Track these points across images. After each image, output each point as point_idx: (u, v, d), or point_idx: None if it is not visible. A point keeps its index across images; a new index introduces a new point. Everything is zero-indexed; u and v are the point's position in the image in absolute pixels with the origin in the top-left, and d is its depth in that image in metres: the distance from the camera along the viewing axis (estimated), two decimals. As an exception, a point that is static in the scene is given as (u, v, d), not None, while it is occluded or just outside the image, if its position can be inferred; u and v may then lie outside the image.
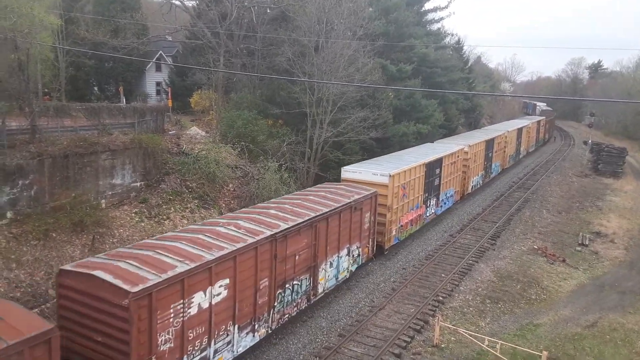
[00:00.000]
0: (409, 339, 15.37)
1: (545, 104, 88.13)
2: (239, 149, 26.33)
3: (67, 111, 22.17)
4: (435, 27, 50.67)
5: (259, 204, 17.72)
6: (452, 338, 15.83)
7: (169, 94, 34.68)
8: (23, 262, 15.29)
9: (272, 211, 15.35)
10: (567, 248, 26.03)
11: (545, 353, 13.87)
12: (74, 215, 17.25)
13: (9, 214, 16.45)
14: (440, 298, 18.46)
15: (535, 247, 25.36)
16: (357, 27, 30.49)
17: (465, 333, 15.43)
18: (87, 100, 31.34)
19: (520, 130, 47.51)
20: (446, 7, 53.63)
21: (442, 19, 51.13)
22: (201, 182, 22.68)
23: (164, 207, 20.62)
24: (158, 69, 39.63)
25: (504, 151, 41.66)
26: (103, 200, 19.39)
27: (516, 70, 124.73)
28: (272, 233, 13.57)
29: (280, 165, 25.85)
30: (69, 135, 20.22)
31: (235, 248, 12.07)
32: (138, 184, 21.08)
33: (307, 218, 15.16)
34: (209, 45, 33.54)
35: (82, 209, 17.69)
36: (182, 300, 10.56)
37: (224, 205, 22.99)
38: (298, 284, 15.08)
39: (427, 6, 48.62)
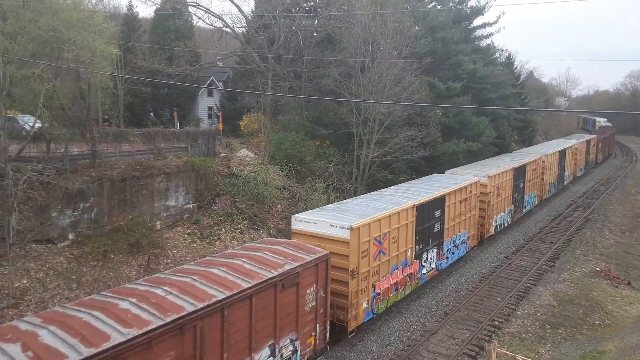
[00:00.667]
0: (463, 366, 14.79)
1: (605, 120, 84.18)
2: (287, 170, 26.64)
3: (124, 136, 23.28)
4: (484, 43, 49.84)
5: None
6: (510, 365, 15.08)
7: (220, 118, 35.73)
8: (83, 282, 15.96)
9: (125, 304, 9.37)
10: (632, 270, 24.42)
11: (612, 384, 12.95)
12: (130, 237, 17.92)
13: (70, 236, 17.30)
14: (497, 323, 17.70)
15: (598, 269, 23.97)
16: (403, 46, 30.47)
17: (524, 360, 14.66)
18: (143, 126, 32.78)
19: (563, 152, 39.99)
20: (495, 22, 52.66)
21: (491, 34, 50.21)
22: (250, 203, 23.05)
23: (215, 228, 21.07)
24: (210, 94, 41.04)
25: (541, 179, 34.41)
26: (158, 222, 20.05)
27: (571, 85, 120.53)
28: None
29: (327, 186, 25.93)
30: (126, 159, 21.15)
31: None
32: (191, 205, 21.69)
33: (172, 318, 9.19)
34: (257, 70, 34.47)
35: (138, 230, 18.34)
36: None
37: (272, 225, 23.23)
38: None
39: (476, 22, 47.93)
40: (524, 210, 31.00)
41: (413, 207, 18.03)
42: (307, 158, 28.31)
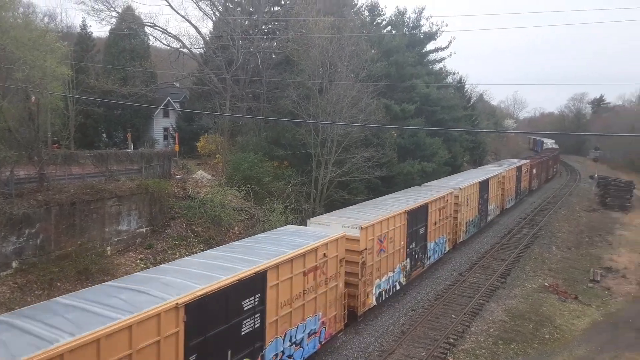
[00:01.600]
0: (419, 385, 14.93)
1: (553, 141, 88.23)
2: (245, 192, 26.49)
3: (75, 159, 22.59)
4: (437, 67, 51.80)
5: None
6: (465, 382, 15.35)
7: (176, 139, 35.26)
8: (28, 311, 15.17)
9: None
10: (578, 285, 25.51)
11: (561, 397, 13.38)
12: (79, 264, 17.29)
13: (14, 264, 16.52)
14: (452, 340, 18.03)
15: (546, 284, 24.89)
16: (359, 69, 31.19)
17: (478, 377, 14.96)
18: (95, 148, 31.90)
19: (485, 183, 33.10)
20: (447, 47, 54.85)
21: (443, 59, 52.29)
22: (207, 225, 22.73)
23: (169, 252, 20.61)
24: (166, 114, 40.46)
25: (454, 218, 27.48)
26: (109, 247, 19.44)
27: (519, 107, 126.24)
28: None
29: (285, 207, 25.91)
30: (76, 182, 20.52)
31: None
32: (144, 229, 21.16)
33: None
34: (215, 91, 34.37)
35: (88, 256, 17.73)
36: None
37: (229, 248, 22.92)
38: None
39: (429, 47, 49.82)
40: (427, 263, 23.86)
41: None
42: (265, 179, 28.28)
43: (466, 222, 29.59)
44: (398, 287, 21.07)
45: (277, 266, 12.73)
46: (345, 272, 16.73)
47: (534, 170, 52.64)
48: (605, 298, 24.23)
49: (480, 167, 45.90)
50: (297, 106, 30.11)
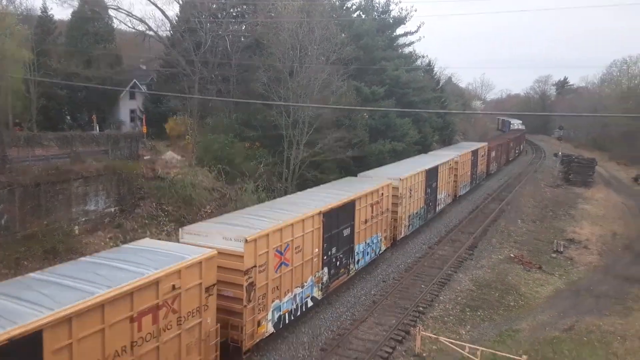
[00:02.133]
0: (390, 350, 15.35)
1: (520, 122, 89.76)
2: (216, 172, 26.35)
3: (38, 141, 22.08)
4: (406, 50, 52.18)
5: None
6: (434, 347, 15.85)
7: (144, 121, 34.65)
8: (-6, 291, 14.89)
9: None
10: (542, 255, 26.49)
11: (524, 357, 13.98)
12: (46, 243, 17.02)
13: (-22, 244, 16.14)
14: (421, 308, 18.53)
15: (512, 255, 25.74)
16: (330, 52, 31.18)
17: (446, 341, 15.48)
18: (59, 130, 31.12)
19: (433, 171, 29.04)
20: (416, 31, 55.29)
21: (412, 43, 52.75)
22: (178, 205, 22.59)
23: (139, 231, 20.43)
24: (132, 96, 39.64)
25: (394, 212, 23.81)
26: (76, 227, 19.15)
27: (486, 89, 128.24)
28: None
29: (257, 186, 25.94)
30: (40, 164, 20.05)
31: None
32: (112, 209, 20.90)
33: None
34: (183, 73, 33.82)
35: (55, 236, 17.46)
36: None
37: (201, 228, 22.85)
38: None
39: (398, 31, 50.12)
40: (353, 269, 19.99)
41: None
42: (236, 159, 28.16)
43: (409, 216, 25.83)
44: (311, 304, 16.89)
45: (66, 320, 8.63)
46: (226, 296, 13.08)
47: (493, 153, 48.47)
48: (567, 267, 25.27)
49: (432, 152, 39.19)
50: (267, 88, 29.97)
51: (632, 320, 19.12)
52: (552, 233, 30.56)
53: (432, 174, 28.80)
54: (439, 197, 30.88)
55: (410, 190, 25.74)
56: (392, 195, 23.36)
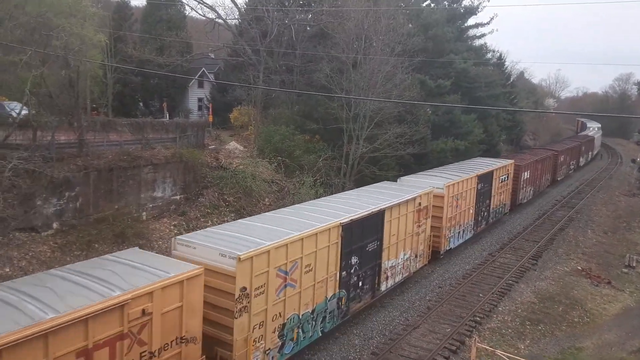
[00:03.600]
0: (443, 360, 15.02)
1: (599, 125, 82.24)
2: (276, 164, 26.68)
3: (113, 126, 23.11)
4: (477, 43, 50.13)
5: None
6: (489, 360, 15.35)
7: (210, 110, 35.62)
8: (67, 270, 15.89)
9: None
10: (612, 270, 24.90)
11: (588, 380, 13.25)
12: (116, 227, 17.88)
13: (54, 225, 17.23)
14: (478, 318, 17.97)
15: (579, 268, 24.38)
16: (395, 43, 30.53)
17: (504, 355, 14.91)
18: (132, 116, 32.58)
19: (358, 224, 16.15)
20: (488, 23, 52.88)
21: (484, 35, 50.49)
22: (238, 196, 23.07)
23: (201, 220, 21.08)
24: (200, 85, 40.84)
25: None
26: (144, 213, 20.02)
27: (560, 86, 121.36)
28: None
29: (315, 181, 26.00)
30: (114, 149, 21.05)
31: None
32: (178, 197, 21.66)
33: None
34: (249, 62, 34.38)
35: (124, 220, 18.31)
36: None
37: (260, 219, 23.28)
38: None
39: (469, 22, 48.18)
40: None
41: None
42: (296, 152, 28.36)
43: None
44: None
45: None
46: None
47: (526, 175, 34.49)
48: (639, 284, 23.62)
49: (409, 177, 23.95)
50: (330, 80, 29.84)
51: None
52: (625, 246, 28.61)
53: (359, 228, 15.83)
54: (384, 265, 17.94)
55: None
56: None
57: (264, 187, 24.60)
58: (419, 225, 19.80)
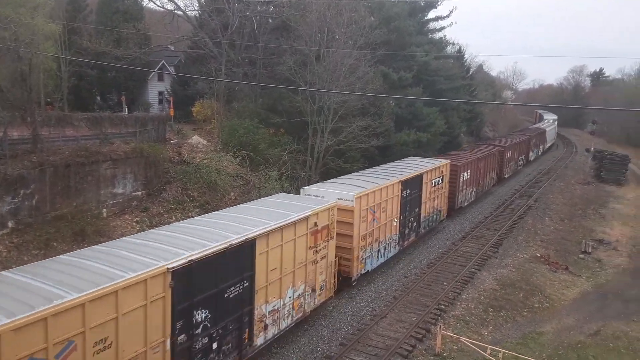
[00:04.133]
0: (410, 348, 15.25)
1: (555, 117, 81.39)
2: (240, 158, 26.39)
3: (69, 121, 22.32)
4: (437, 36, 50.96)
5: None
6: (454, 347, 15.70)
7: (171, 103, 34.84)
8: (24, 271, 15.26)
9: None
10: (569, 256, 25.90)
11: (548, 362, 13.75)
12: (75, 225, 17.31)
13: (10, 224, 16.52)
14: (443, 306, 18.35)
15: (538, 255, 25.23)
16: (358, 36, 30.63)
17: (468, 342, 15.30)
18: (89, 110, 31.50)
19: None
20: (448, 16, 53.84)
21: (443, 28, 51.37)
22: (202, 190, 22.72)
23: (165, 216, 20.66)
24: (160, 78, 39.85)
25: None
26: (104, 210, 19.44)
27: (517, 78, 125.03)
28: None
29: (281, 174, 25.88)
30: (70, 145, 20.33)
31: None
32: (139, 193, 21.13)
33: None
34: (210, 55, 33.76)
35: (84, 218, 17.75)
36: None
37: (225, 214, 22.99)
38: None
39: (429, 15, 48.89)
40: None
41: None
42: (261, 146, 28.13)
43: None
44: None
45: None
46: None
47: (466, 175, 30.57)
48: (595, 269, 24.68)
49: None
50: (293, 73, 29.69)
51: (661, 328, 18.59)
52: (581, 233, 29.83)
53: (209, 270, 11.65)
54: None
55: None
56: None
57: (229, 182, 24.31)
58: (317, 251, 15.53)
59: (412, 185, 22.64)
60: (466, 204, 31.88)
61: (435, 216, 26.09)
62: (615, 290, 22.26)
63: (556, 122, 77.72)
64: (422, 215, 24.20)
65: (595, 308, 20.24)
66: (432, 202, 25.36)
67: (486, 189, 36.51)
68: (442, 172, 26.18)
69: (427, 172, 24.01)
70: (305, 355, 14.49)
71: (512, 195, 37.35)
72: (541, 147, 60.11)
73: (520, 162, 48.29)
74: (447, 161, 27.36)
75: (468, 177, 31.08)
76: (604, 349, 16.54)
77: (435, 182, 25.25)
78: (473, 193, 32.93)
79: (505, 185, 40.83)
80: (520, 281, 21.69)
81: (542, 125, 67.91)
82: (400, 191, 21.20)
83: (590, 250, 26.59)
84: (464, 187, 30.69)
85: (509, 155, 41.49)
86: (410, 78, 37.54)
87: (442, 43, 51.23)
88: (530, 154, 53.14)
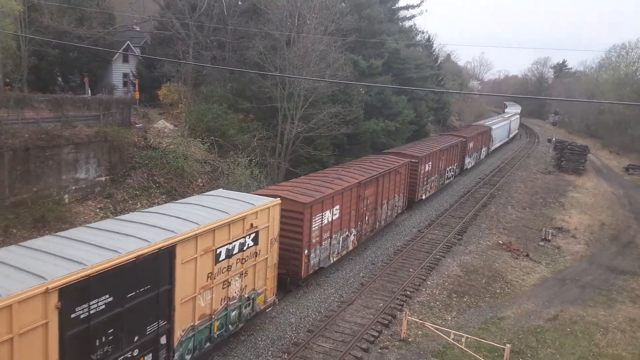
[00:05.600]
0: (377, 334, 15.52)
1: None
2: (209, 144, 25.98)
3: (28, 102, 21.40)
4: (407, 24, 51.23)
5: None
6: (419, 332, 16.06)
7: (136, 86, 33.88)
8: (-20, 259, 14.69)
9: None
10: (530, 243, 26.77)
11: (508, 346, 14.23)
12: (35, 211, 16.74)
13: (-35, 209, 15.83)
14: (408, 292, 18.70)
15: (500, 242, 25.97)
16: (329, 22, 30.43)
17: (432, 327, 15.68)
18: (50, 91, 30.33)
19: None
20: (418, 5, 54.13)
21: (413, 16, 51.75)
22: (169, 177, 22.30)
23: (130, 202, 20.20)
24: (125, 60, 38.65)
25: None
26: (66, 195, 18.85)
27: (484, 69, 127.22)
28: None
29: (250, 161, 25.65)
30: (30, 127, 19.53)
31: None
32: (103, 178, 20.57)
33: None
34: (178, 37, 32.93)
35: (44, 204, 17.17)
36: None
37: (192, 200, 22.65)
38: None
39: (400, 3, 49.09)
40: None
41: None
42: (229, 131, 27.73)
43: None
44: None
45: None
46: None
47: (367, 192, 21.43)
48: (554, 256, 25.60)
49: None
50: (263, 58, 29.30)
51: (615, 312, 19.51)
52: (542, 221, 30.84)
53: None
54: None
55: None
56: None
57: (197, 168, 23.93)
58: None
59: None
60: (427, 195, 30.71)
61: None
62: (572, 276, 23.19)
63: (517, 115, 76.28)
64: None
65: (554, 293, 21.04)
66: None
67: (447, 182, 35.30)
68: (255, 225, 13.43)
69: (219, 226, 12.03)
70: (273, 343, 14.54)
71: (476, 184, 38.19)
72: (487, 148, 50.04)
73: (455, 171, 38.35)
74: (277, 201, 14.68)
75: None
76: (561, 333, 17.25)
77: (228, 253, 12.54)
78: (433, 184, 31.99)
79: (468, 175, 41.49)
80: (483, 267, 22.30)
81: (486, 123, 55.15)
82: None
83: (550, 238, 27.55)
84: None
85: (424, 168, 30.09)
86: (380, 66, 37.65)
87: (412, 31, 51.66)
88: (472, 158, 43.38)
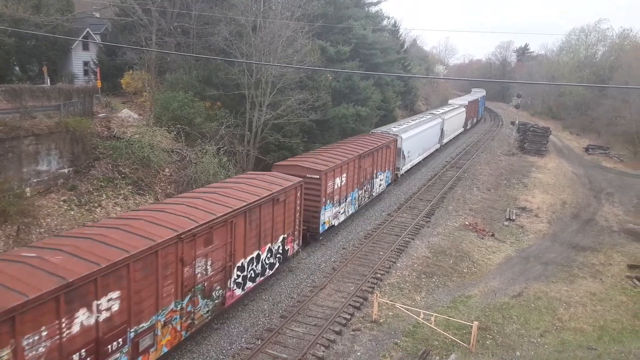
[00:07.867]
0: (349, 316, 15.77)
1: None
2: (175, 132, 25.54)
3: (-17, 93, 20.55)
4: (373, 9, 51.25)
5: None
6: (390, 313, 16.42)
7: (98, 75, 32.87)
8: (-62, 256, 14.13)
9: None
10: (495, 223, 27.54)
11: (476, 323, 14.70)
12: (-5, 205, 16.16)
13: None
14: (379, 275, 19.02)
15: (467, 223, 26.62)
16: (295, 7, 30.17)
17: (402, 308, 16.05)
18: (7, 81, 29.12)
19: None
20: (384, -11, 54.37)
21: (380, 1, 51.75)
22: (135, 167, 21.85)
23: (95, 194, 19.74)
24: (85, 47, 37.39)
25: None
26: (28, 188, 18.27)
27: (449, 53, 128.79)
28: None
29: (218, 149, 25.38)
30: (-14, 119, 18.77)
31: None
32: (66, 170, 20.01)
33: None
34: (140, 23, 32.03)
35: (5, 198, 16.59)
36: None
37: (160, 190, 22.33)
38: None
39: (366, -12, 48.92)
40: None
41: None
42: (196, 120, 27.29)
43: None
44: None
45: None
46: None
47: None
48: (519, 235, 26.44)
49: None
50: (229, 44, 28.85)
51: (576, 287, 20.37)
52: (506, 201, 31.73)
53: None
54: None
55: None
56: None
57: (164, 157, 23.52)
58: None
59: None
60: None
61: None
62: (536, 254, 24.03)
63: (483, 99, 75.32)
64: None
65: (519, 271, 21.78)
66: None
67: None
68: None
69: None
70: (246, 329, 14.62)
71: (443, 167, 38.88)
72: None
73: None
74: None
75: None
76: (526, 309, 17.92)
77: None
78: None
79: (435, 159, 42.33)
80: (450, 248, 22.87)
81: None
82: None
83: (514, 218, 28.39)
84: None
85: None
86: (347, 52, 37.63)
87: (379, 17, 51.71)
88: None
